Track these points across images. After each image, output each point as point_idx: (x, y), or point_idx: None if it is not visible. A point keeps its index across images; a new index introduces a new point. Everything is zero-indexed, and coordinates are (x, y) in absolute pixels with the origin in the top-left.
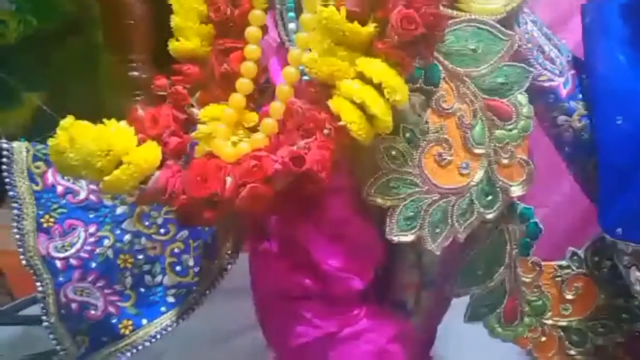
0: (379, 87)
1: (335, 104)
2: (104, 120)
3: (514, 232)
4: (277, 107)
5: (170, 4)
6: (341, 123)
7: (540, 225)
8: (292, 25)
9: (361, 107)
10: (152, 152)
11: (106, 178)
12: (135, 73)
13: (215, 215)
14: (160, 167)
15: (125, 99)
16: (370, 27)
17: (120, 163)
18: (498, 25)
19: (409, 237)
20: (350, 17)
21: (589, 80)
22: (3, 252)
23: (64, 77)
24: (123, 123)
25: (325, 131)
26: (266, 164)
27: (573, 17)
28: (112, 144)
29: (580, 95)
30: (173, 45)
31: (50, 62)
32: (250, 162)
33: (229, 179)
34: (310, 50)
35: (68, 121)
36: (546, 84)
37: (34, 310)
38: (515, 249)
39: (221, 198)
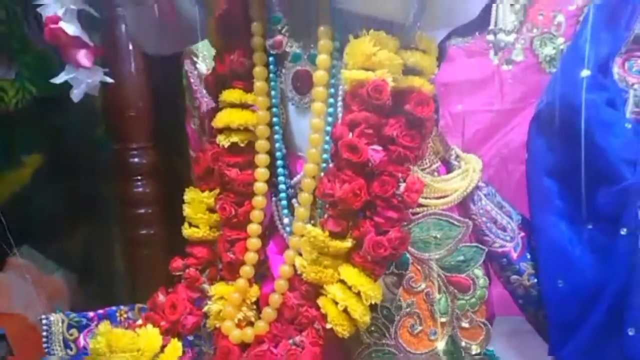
0: (358, 293)
1: (323, 304)
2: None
3: None
4: (275, 298)
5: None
6: (329, 325)
7: None
8: (286, 221)
9: (345, 309)
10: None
11: None
12: (136, 160)
13: None
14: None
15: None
16: (349, 243)
17: None
18: (454, 215)
19: None
20: (332, 235)
21: (535, 245)
22: (6, 315)
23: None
24: (150, 327)
25: (316, 326)
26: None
27: None
28: (142, 347)
29: (529, 255)
30: (186, 231)
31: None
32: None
33: None
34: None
35: (104, 327)
36: (499, 250)
37: None
38: None
39: None
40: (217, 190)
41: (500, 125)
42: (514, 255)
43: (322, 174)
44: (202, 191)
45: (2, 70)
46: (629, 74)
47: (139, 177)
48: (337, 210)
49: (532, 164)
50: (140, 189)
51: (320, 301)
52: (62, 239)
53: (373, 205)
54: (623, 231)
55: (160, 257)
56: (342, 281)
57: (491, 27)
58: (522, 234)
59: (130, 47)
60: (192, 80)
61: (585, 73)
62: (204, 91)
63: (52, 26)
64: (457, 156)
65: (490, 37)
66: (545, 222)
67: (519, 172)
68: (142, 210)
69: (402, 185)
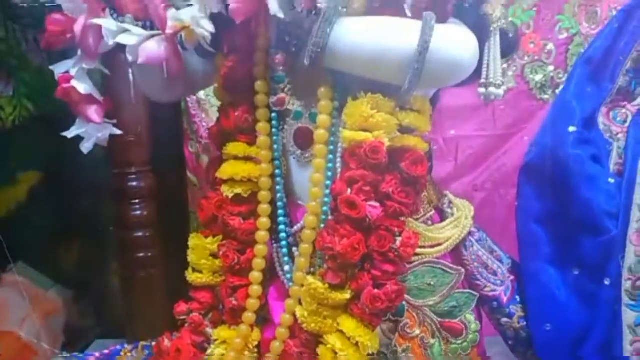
0: (356, 344)
1: (323, 353)
2: None
3: None
4: (276, 346)
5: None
6: None
7: None
8: (286, 268)
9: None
10: None
11: None
12: (135, 183)
13: None
14: None
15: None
16: (347, 294)
17: None
18: (448, 262)
19: None
20: (332, 287)
21: (524, 288)
22: (0, 333)
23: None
24: None
25: None
26: None
27: None
28: None
29: (518, 298)
30: (190, 277)
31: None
32: None
33: None
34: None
35: None
36: (490, 294)
37: None
38: None
39: None
40: (220, 237)
41: (493, 150)
42: (504, 298)
43: (322, 225)
44: (206, 237)
45: (0, 87)
46: (614, 124)
47: (137, 201)
48: (336, 263)
49: (522, 211)
50: (138, 212)
51: (320, 350)
52: (58, 255)
53: (371, 258)
54: (607, 281)
55: (157, 279)
56: (341, 331)
57: (482, 80)
58: (512, 277)
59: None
60: (190, 105)
61: (572, 129)
62: (203, 115)
63: (65, 85)
64: (450, 202)
65: (482, 89)
66: (534, 267)
67: (511, 196)
68: (140, 234)
69: (399, 240)
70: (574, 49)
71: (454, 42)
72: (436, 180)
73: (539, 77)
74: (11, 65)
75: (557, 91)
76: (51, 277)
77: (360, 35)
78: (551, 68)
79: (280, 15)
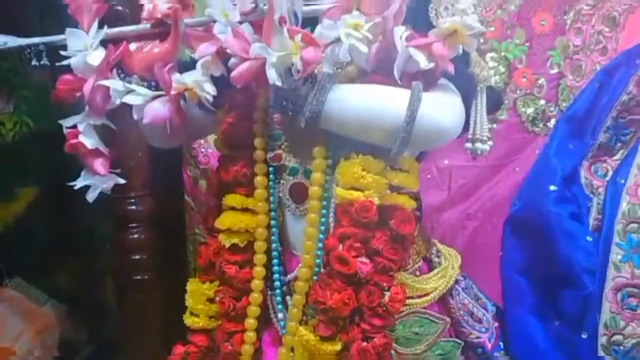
0: None
1: None
2: None
3: None
4: None
5: None
6: None
7: None
8: (280, 315)
9: None
10: None
11: None
12: (133, 207)
13: None
14: None
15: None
16: (338, 346)
17: None
18: (434, 312)
19: None
20: (323, 339)
21: (507, 336)
22: None
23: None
24: None
25: None
26: None
27: None
28: None
29: (502, 344)
30: (187, 320)
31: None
32: None
33: None
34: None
35: None
36: (475, 340)
37: None
38: None
39: None
40: (217, 282)
41: (485, 180)
42: (489, 345)
43: (315, 277)
44: (203, 282)
45: (1, 104)
46: (595, 177)
47: (135, 225)
48: (327, 317)
49: (506, 261)
50: (136, 236)
51: None
52: (54, 271)
53: (360, 312)
54: (584, 335)
55: (152, 301)
56: None
57: (469, 135)
58: (496, 324)
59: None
60: None
61: (552, 188)
62: (201, 141)
63: (73, 141)
64: (438, 251)
65: (469, 144)
66: (517, 316)
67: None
68: (137, 257)
69: (387, 295)
70: (565, 84)
71: (441, 111)
72: (430, 209)
73: (530, 110)
74: (14, 82)
75: (549, 124)
76: (46, 292)
77: (353, 103)
78: (542, 102)
79: (279, 83)
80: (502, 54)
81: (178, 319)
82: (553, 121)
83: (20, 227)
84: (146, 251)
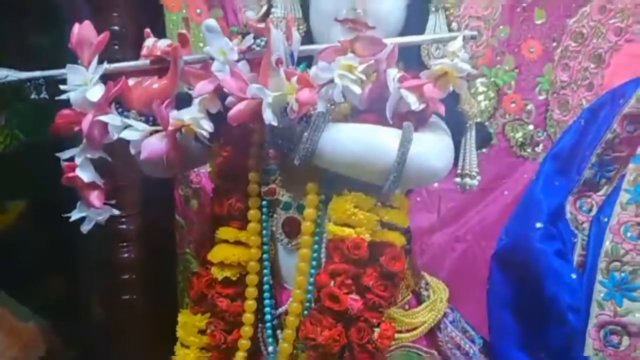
0: None
1: None
2: None
3: None
4: None
5: None
6: None
7: None
8: (270, 349)
9: None
10: None
11: None
12: (124, 227)
13: None
14: None
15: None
16: None
17: None
18: (422, 346)
19: None
20: None
21: None
22: None
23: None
24: None
25: None
26: None
27: None
28: None
29: None
30: (178, 352)
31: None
32: None
33: None
34: None
35: None
36: None
37: None
38: None
39: None
40: (208, 314)
41: (474, 203)
42: None
43: (305, 312)
44: (195, 314)
45: None
46: (580, 213)
47: (125, 244)
48: (317, 353)
49: (492, 295)
50: (126, 255)
51: None
52: (39, 287)
53: (350, 348)
54: None
55: (140, 321)
56: None
57: (458, 170)
58: (483, 357)
59: None
60: None
61: (538, 225)
62: None
63: (70, 174)
64: (427, 284)
65: (458, 179)
66: (503, 349)
67: (491, 248)
68: (126, 276)
69: (376, 331)
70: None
71: (431, 152)
72: (419, 232)
73: (519, 135)
74: (6, 96)
75: (537, 149)
76: (31, 308)
77: (345, 143)
78: (531, 127)
79: (274, 123)
80: (492, 79)
81: (165, 340)
82: (541, 146)
83: (8, 241)
84: (135, 271)
